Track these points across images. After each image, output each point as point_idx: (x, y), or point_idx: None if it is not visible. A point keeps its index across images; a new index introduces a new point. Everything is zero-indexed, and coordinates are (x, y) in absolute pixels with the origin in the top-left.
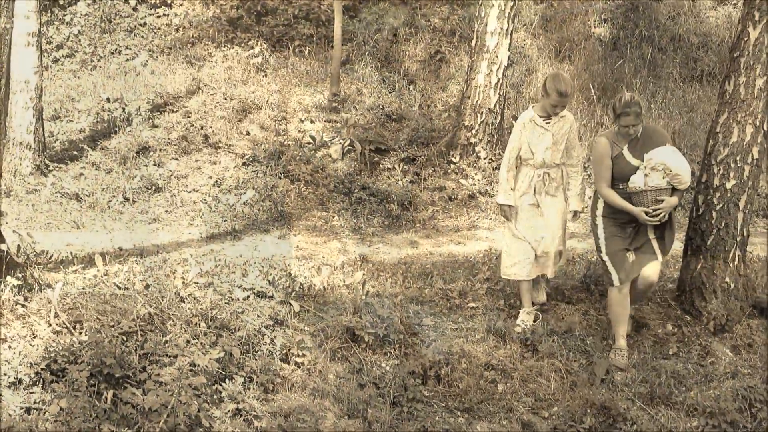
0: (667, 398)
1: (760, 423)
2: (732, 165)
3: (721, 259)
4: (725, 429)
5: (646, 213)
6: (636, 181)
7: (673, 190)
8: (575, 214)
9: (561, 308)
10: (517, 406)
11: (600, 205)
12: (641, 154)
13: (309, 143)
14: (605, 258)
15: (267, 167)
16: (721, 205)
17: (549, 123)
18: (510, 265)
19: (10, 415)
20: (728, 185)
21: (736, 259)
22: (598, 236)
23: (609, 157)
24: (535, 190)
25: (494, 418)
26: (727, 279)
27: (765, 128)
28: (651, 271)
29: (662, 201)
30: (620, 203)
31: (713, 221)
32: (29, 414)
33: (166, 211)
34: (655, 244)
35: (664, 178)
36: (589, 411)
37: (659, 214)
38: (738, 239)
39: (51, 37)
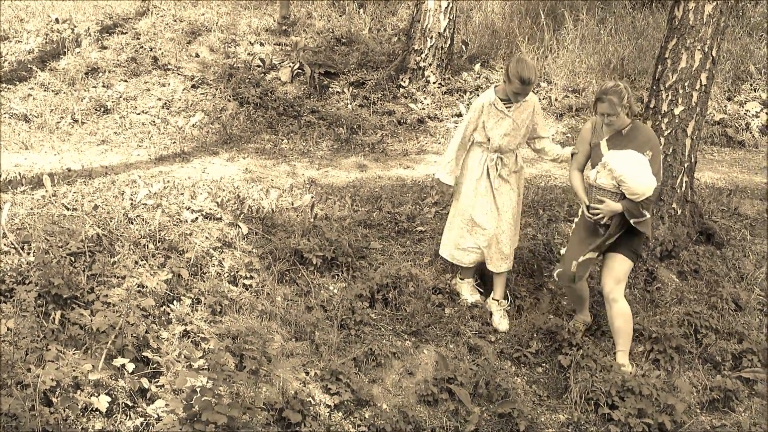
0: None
1: (705, 348)
2: (680, 91)
3: (668, 185)
4: (671, 354)
5: (588, 208)
6: (589, 175)
7: (626, 197)
8: (573, 155)
9: None
10: (464, 329)
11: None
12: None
13: (258, 66)
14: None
15: (216, 90)
16: (669, 131)
17: (510, 108)
18: (455, 248)
19: None
20: (676, 111)
21: (684, 185)
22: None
23: (587, 142)
24: (488, 174)
25: (441, 342)
26: (674, 205)
27: (713, 54)
28: (606, 278)
29: (602, 202)
30: (575, 188)
31: (661, 147)
32: None
33: (115, 133)
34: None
35: (611, 180)
36: (535, 336)
37: (597, 214)
38: (686, 165)
39: None
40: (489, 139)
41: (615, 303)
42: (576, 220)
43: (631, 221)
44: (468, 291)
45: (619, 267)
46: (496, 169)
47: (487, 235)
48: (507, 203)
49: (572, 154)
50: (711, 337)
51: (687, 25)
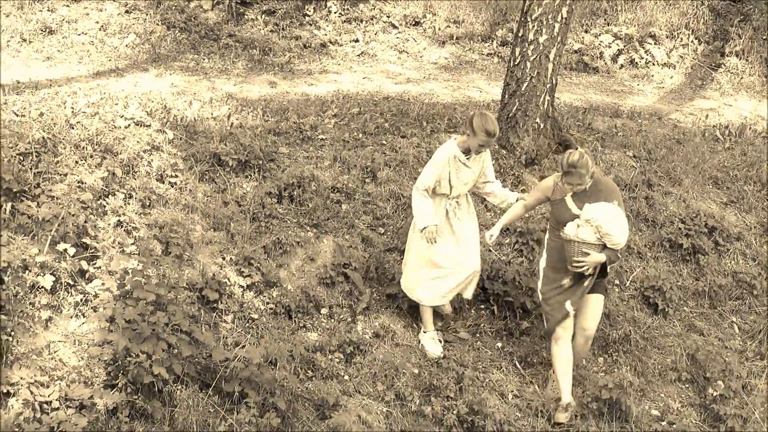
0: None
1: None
2: (544, 22)
3: (533, 103)
4: (532, 246)
5: (572, 263)
6: (568, 230)
7: (605, 247)
8: (517, 199)
9: (398, 141)
10: (358, 223)
11: (544, 254)
12: (584, 203)
13: None
14: (541, 302)
15: (146, 15)
16: (534, 57)
17: (469, 159)
18: (415, 288)
19: None
20: (541, 39)
21: (546, 103)
22: (537, 283)
23: (543, 193)
24: (447, 216)
25: (338, 233)
26: (537, 120)
27: None
28: (586, 323)
29: (588, 254)
30: (509, 214)
31: (527, 70)
32: None
33: (59, 51)
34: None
35: (595, 233)
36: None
37: (582, 265)
38: (548, 86)
39: None
40: (451, 189)
41: (590, 340)
42: (542, 263)
43: (608, 267)
44: (427, 343)
45: (601, 307)
46: (455, 213)
47: (439, 273)
48: (468, 234)
49: (517, 199)
50: None
51: None
